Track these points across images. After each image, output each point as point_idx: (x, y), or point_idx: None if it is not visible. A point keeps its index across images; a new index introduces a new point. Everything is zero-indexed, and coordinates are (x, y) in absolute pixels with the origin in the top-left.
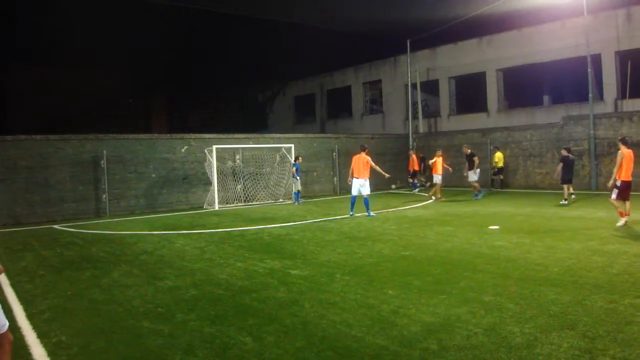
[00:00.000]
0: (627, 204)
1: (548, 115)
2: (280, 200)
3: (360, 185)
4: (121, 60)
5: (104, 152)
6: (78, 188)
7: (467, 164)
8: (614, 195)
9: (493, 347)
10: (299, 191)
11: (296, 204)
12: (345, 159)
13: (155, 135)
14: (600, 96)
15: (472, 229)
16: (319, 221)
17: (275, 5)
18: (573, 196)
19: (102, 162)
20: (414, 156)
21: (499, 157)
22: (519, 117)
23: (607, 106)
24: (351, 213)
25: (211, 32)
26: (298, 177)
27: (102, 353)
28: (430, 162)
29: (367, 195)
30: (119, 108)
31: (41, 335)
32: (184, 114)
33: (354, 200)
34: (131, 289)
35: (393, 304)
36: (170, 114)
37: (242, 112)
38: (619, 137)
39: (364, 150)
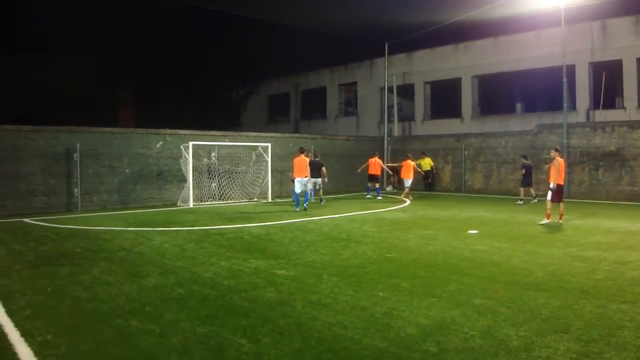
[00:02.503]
0: (561, 205)
1: (520, 123)
2: (255, 199)
3: (303, 183)
4: (90, 51)
5: (78, 145)
6: (49, 181)
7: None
8: (549, 197)
9: (492, 350)
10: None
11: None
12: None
13: (130, 129)
14: (572, 106)
15: (452, 233)
16: (297, 221)
17: (252, 2)
18: (536, 199)
19: (75, 155)
20: (375, 159)
21: (425, 162)
22: (492, 124)
23: (579, 116)
24: (305, 206)
25: (185, 27)
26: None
27: (92, 354)
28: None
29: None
30: (87, 100)
31: (25, 334)
32: (154, 108)
33: (298, 197)
34: (114, 286)
35: (385, 306)
36: (138, 107)
37: (215, 109)
38: (554, 147)
39: (303, 153)
